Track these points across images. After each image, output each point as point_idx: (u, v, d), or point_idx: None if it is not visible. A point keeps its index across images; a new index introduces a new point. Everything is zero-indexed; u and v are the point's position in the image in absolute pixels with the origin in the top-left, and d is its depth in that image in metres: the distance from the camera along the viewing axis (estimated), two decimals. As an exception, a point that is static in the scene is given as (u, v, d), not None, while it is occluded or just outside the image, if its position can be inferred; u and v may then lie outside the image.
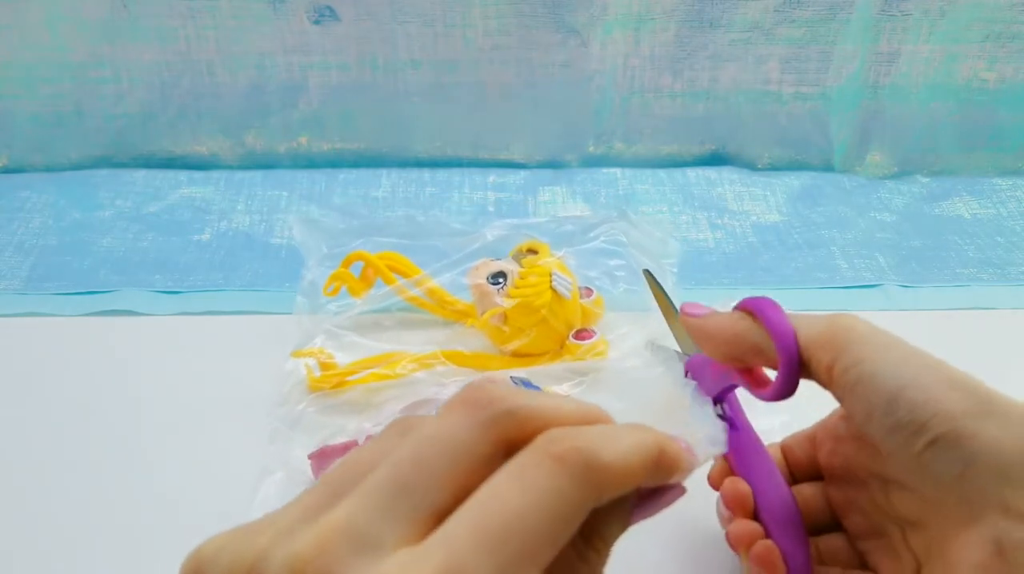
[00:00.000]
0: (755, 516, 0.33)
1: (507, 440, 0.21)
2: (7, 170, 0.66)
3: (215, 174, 0.66)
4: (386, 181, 0.66)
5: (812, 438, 0.35)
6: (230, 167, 0.67)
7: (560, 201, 0.64)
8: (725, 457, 0.34)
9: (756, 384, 0.31)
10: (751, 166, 0.68)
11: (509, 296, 0.47)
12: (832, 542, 0.33)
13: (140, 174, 0.66)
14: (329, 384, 0.45)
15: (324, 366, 0.46)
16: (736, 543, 0.33)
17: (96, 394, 0.46)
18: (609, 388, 0.46)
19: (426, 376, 0.46)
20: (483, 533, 0.18)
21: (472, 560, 0.18)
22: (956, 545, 0.26)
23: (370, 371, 0.46)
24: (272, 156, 0.67)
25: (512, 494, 0.19)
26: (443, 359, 0.47)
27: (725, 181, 0.67)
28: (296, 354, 0.47)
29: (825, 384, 0.29)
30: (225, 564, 0.19)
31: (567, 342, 0.48)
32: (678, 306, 0.34)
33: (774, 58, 0.64)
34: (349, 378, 0.46)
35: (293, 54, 0.63)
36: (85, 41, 0.62)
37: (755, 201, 0.65)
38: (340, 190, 0.65)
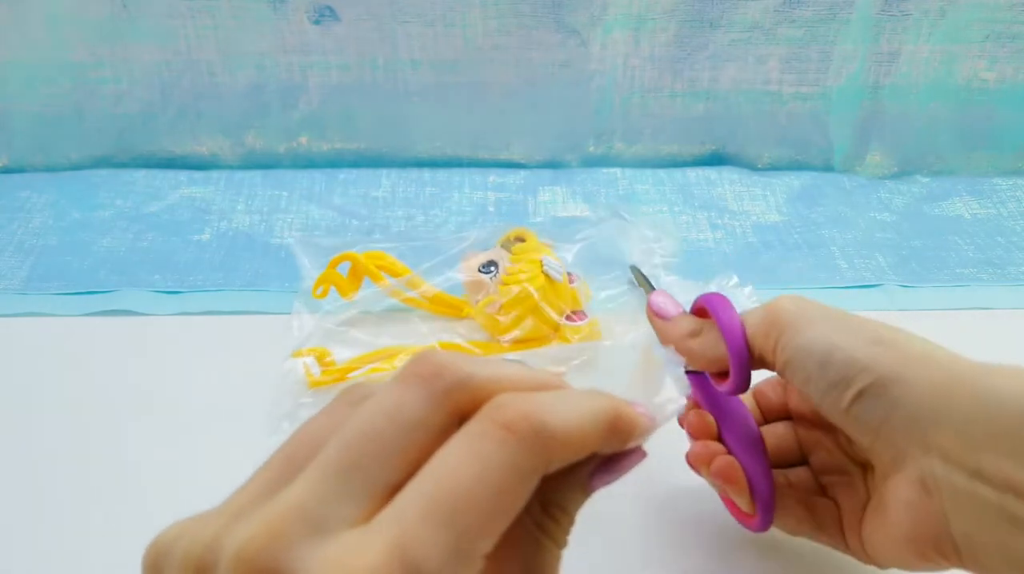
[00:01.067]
0: (719, 441, 0.35)
1: (460, 410, 0.20)
2: (7, 170, 0.66)
3: (215, 174, 0.66)
4: (386, 181, 0.66)
5: (784, 384, 0.37)
6: (230, 167, 0.67)
7: (560, 201, 0.64)
8: (697, 400, 0.36)
9: (717, 379, 0.34)
10: (751, 166, 0.68)
11: (502, 283, 0.47)
12: (799, 474, 0.35)
13: (140, 174, 0.66)
14: (328, 382, 0.45)
15: (324, 364, 0.46)
16: (696, 461, 0.35)
17: (96, 394, 0.46)
18: (600, 366, 0.46)
19: None
20: (432, 508, 0.18)
21: (421, 536, 0.17)
22: (889, 486, 0.29)
23: (369, 366, 0.46)
24: (272, 156, 0.67)
25: (460, 466, 0.19)
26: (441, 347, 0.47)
27: (725, 181, 0.67)
28: (296, 354, 0.47)
29: (771, 367, 0.31)
30: (181, 552, 0.19)
31: (560, 325, 0.48)
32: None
33: (774, 58, 0.64)
34: (349, 375, 0.46)
35: (293, 54, 0.63)
36: (85, 41, 0.62)
37: (755, 201, 0.65)
38: (340, 190, 0.65)
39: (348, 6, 0.62)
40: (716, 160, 0.69)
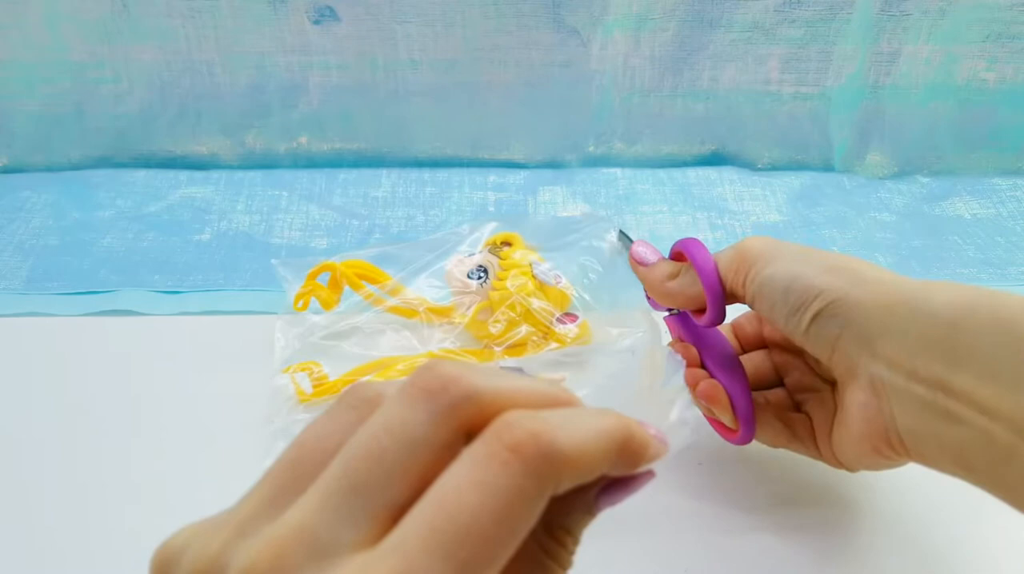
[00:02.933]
0: (702, 369, 0.39)
1: (466, 425, 0.20)
2: (7, 170, 0.66)
3: (215, 174, 0.66)
4: (386, 181, 0.66)
5: (758, 316, 0.41)
6: (230, 167, 0.67)
7: (560, 201, 0.64)
8: (680, 336, 0.41)
9: (696, 315, 0.38)
10: (751, 166, 0.68)
11: (494, 289, 0.47)
12: (776, 393, 0.39)
13: (140, 174, 0.66)
14: (321, 396, 0.45)
15: (316, 381, 0.45)
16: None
17: (96, 394, 0.46)
18: (596, 370, 0.46)
19: None
20: (437, 537, 0.17)
21: (426, 566, 0.17)
22: (847, 393, 0.33)
23: (362, 380, 0.45)
24: (272, 156, 0.67)
25: (464, 491, 0.18)
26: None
27: (725, 181, 0.67)
28: (286, 370, 0.46)
29: (742, 300, 0.36)
30: (187, 563, 0.19)
31: (551, 328, 0.47)
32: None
33: (774, 58, 0.64)
34: (342, 390, 0.45)
35: (293, 54, 0.63)
36: (85, 41, 0.62)
37: (755, 201, 0.65)
38: (340, 190, 0.65)
39: (348, 6, 0.62)
40: (716, 160, 0.69)
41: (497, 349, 0.47)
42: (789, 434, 0.37)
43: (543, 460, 0.18)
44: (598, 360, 0.46)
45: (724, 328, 0.41)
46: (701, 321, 0.37)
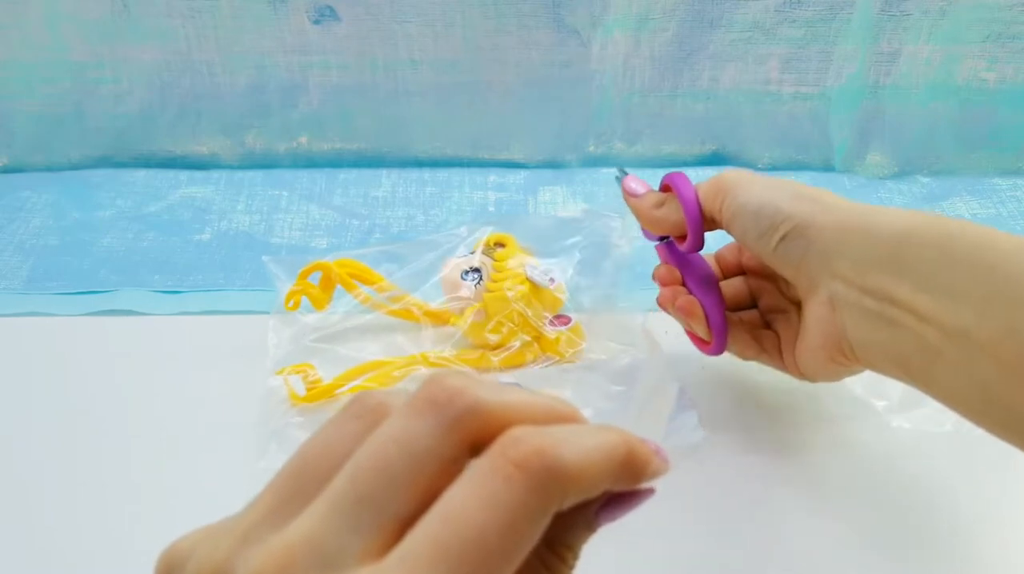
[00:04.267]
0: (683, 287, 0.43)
1: (472, 439, 0.20)
2: (7, 170, 0.66)
3: (215, 174, 0.66)
4: (386, 181, 0.66)
5: (738, 247, 0.45)
6: (230, 167, 0.67)
7: (560, 201, 0.64)
8: (666, 260, 0.44)
9: (679, 241, 0.42)
10: (751, 166, 0.68)
11: (488, 291, 0.47)
12: (750, 314, 0.44)
13: (140, 174, 0.66)
14: (314, 399, 0.44)
15: (310, 384, 0.45)
16: (663, 302, 0.44)
17: (95, 394, 0.47)
18: (595, 389, 0.45)
19: (412, 384, 0.45)
20: (442, 551, 0.18)
21: None
22: (808, 308, 0.37)
23: (355, 383, 0.45)
24: (272, 156, 0.67)
25: (470, 506, 0.18)
26: (426, 363, 0.46)
27: (725, 181, 0.67)
28: (279, 372, 0.46)
29: (719, 226, 0.40)
30: (192, 571, 0.19)
31: (544, 330, 0.47)
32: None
33: (774, 58, 0.64)
34: (335, 391, 0.45)
35: (293, 54, 0.63)
36: (85, 41, 0.62)
37: (755, 201, 0.65)
38: (340, 190, 0.65)
39: (348, 6, 0.62)
40: (716, 160, 0.69)
41: (493, 358, 0.47)
42: (758, 347, 0.42)
43: (548, 476, 0.19)
44: (597, 380, 0.46)
45: (708, 257, 0.45)
46: (683, 247, 0.41)
